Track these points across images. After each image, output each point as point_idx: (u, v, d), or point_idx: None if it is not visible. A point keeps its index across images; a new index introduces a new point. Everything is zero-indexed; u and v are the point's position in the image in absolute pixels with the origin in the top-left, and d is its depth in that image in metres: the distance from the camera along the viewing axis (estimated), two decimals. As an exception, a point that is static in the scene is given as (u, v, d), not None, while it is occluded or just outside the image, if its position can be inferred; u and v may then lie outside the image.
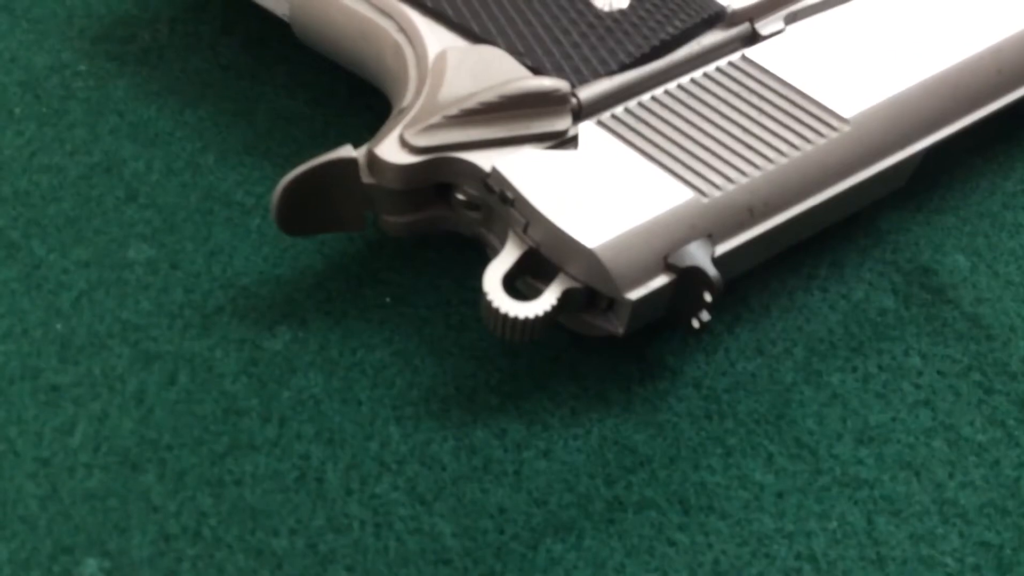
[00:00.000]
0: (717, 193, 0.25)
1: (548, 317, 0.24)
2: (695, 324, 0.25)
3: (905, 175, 0.28)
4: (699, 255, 0.24)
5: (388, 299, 0.28)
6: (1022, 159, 0.31)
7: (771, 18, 0.27)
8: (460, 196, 0.26)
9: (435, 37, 0.27)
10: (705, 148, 0.25)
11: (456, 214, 0.26)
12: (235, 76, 0.32)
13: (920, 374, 0.26)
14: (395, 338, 0.27)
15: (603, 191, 0.25)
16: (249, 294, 0.27)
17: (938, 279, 0.28)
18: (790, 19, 0.28)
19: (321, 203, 0.26)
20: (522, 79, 0.25)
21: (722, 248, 0.25)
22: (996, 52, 0.28)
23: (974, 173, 0.31)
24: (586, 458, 0.25)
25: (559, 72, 0.26)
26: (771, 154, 0.26)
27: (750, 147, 0.26)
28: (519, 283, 0.26)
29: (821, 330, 0.27)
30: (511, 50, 0.26)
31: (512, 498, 0.24)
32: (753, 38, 0.27)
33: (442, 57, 0.26)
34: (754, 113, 0.26)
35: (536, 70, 0.26)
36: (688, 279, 0.24)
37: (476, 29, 0.27)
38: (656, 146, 0.25)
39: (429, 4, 0.27)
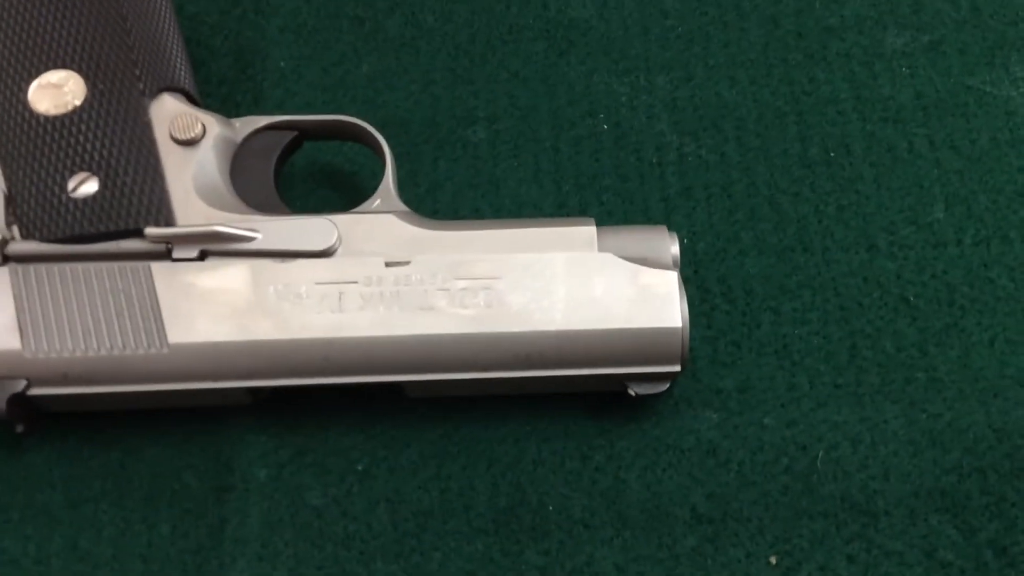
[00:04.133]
0: (40, 355, 0.34)
1: None
2: (18, 429, 0.35)
3: (242, 399, 0.36)
4: (2, 389, 0.34)
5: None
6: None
7: (186, 248, 0.36)
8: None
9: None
10: (60, 320, 0.35)
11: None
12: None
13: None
14: None
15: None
16: None
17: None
18: (208, 253, 0.36)
19: None
20: (-38, 227, 0.35)
21: (37, 391, 0.34)
22: (327, 343, 0.35)
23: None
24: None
25: (19, 224, 0.36)
26: (100, 344, 0.34)
27: (91, 334, 0.34)
28: None
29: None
30: (6, 198, 0.36)
31: None
32: (167, 256, 0.36)
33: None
34: (116, 310, 0.35)
35: (12, 217, 0.36)
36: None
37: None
38: (31, 302, 0.35)
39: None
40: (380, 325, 0.35)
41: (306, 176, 0.43)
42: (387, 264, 0.36)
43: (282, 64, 0.46)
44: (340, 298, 0.36)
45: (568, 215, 0.43)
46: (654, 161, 0.44)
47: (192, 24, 0.46)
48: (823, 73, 0.45)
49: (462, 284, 0.36)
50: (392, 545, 0.36)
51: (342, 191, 0.43)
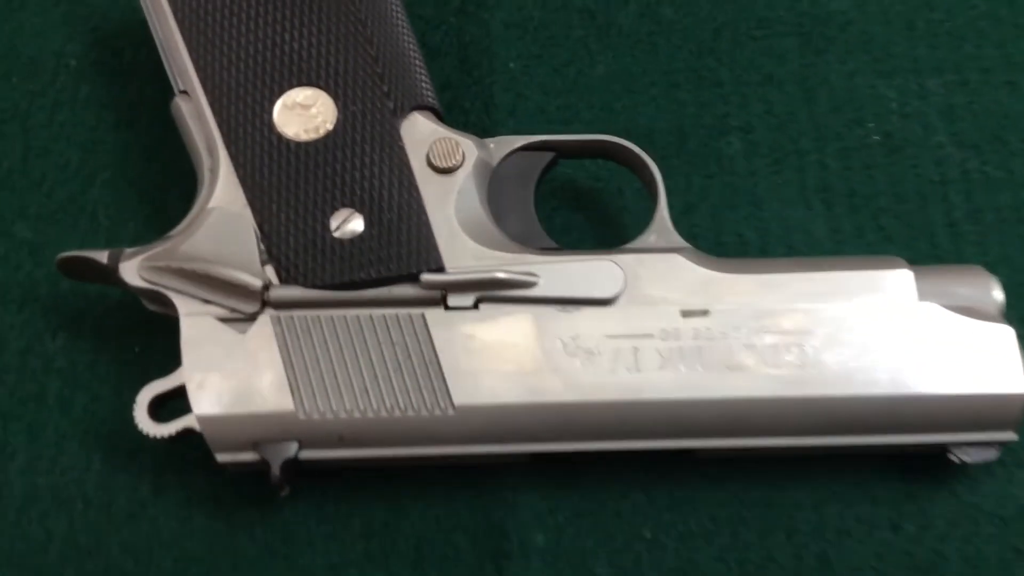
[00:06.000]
0: (315, 416, 0.31)
1: (171, 439, 0.32)
2: (284, 493, 0.32)
3: (523, 459, 0.33)
4: (274, 453, 0.31)
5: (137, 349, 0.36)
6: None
7: (462, 295, 0.32)
8: (179, 314, 0.34)
9: (225, 192, 0.33)
10: (333, 376, 0.31)
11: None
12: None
13: None
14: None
15: (236, 373, 0.31)
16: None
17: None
18: (482, 300, 0.32)
19: (94, 269, 0.34)
20: (227, 267, 0.32)
21: (309, 454, 0.31)
22: (625, 406, 0.31)
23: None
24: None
25: (275, 265, 0.32)
26: (378, 404, 0.31)
27: (368, 392, 0.31)
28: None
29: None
30: (259, 234, 0.33)
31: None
32: (441, 303, 0.32)
33: (209, 213, 0.33)
34: (392, 366, 0.32)
35: (267, 256, 0.32)
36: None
37: (244, 200, 0.33)
38: (300, 356, 0.32)
39: (239, 165, 0.34)
40: (684, 387, 0.32)
41: (544, 192, 0.39)
42: (683, 314, 0.33)
43: (511, 65, 0.42)
44: (636, 354, 0.32)
45: (843, 241, 0.38)
46: (935, 179, 0.39)
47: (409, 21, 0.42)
48: (1113, 76, 0.41)
49: (770, 339, 0.32)
50: (690, 622, 0.33)
51: (586, 211, 0.40)
